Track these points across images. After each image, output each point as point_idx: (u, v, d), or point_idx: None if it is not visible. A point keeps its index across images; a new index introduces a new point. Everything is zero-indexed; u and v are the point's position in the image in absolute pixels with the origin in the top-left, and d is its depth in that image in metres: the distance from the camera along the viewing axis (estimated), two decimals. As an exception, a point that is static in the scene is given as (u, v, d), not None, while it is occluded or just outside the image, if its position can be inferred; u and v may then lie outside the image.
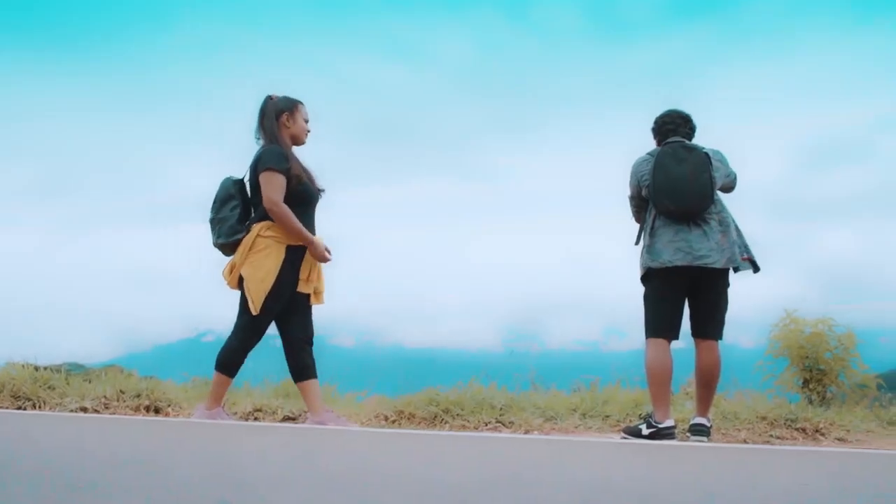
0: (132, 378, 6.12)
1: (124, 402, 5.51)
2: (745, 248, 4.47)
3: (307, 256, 4.49)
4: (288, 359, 4.58)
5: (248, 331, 4.47)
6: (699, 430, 4.39)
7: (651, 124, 4.82)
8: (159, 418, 5.26)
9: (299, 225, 4.37)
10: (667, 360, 4.41)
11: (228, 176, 4.63)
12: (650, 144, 4.80)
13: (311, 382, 4.54)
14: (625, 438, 4.44)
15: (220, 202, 4.50)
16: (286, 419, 5.17)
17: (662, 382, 4.38)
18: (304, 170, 4.54)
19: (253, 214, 4.51)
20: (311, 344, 4.59)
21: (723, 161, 4.58)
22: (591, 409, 5.23)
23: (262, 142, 4.61)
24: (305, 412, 5.15)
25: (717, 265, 4.34)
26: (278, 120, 4.58)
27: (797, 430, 4.75)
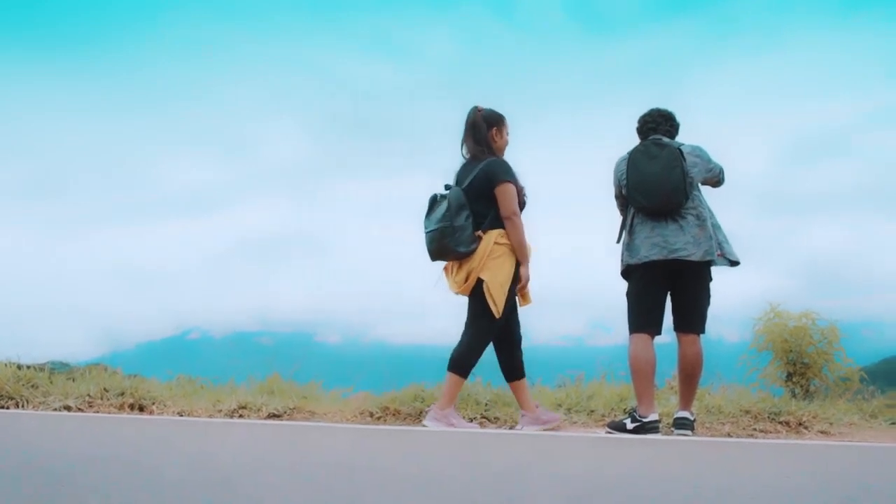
0: (116, 376, 6.08)
1: (108, 400, 5.48)
2: (720, 244, 4.50)
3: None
4: (501, 358, 4.73)
5: (486, 333, 4.58)
6: (683, 424, 4.41)
7: (635, 123, 4.85)
8: (143, 416, 5.24)
9: (526, 240, 4.58)
10: (650, 354, 4.44)
11: (453, 185, 4.71)
12: (636, 142, 4.81)
13: (522, 381, 4.69)
14: (609, 433, 4.46)
15: (456, 210, 4.54)
16: (271, 416, 5.16)
17: (646, 377, 4.41)
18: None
19: (479, 224, 4.59)
20: (521, 344, 4.75)
21: (702, 156, 4.61)
22: (575, 404, 5.24)
23: (468, 154, 4.75)
24: (291, 409, 5.14)
25: (694, 258, 4.37)
26: (489, 132, 4.71)
27: (781, 423, 4.77)
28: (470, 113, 4.75)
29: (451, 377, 4.51)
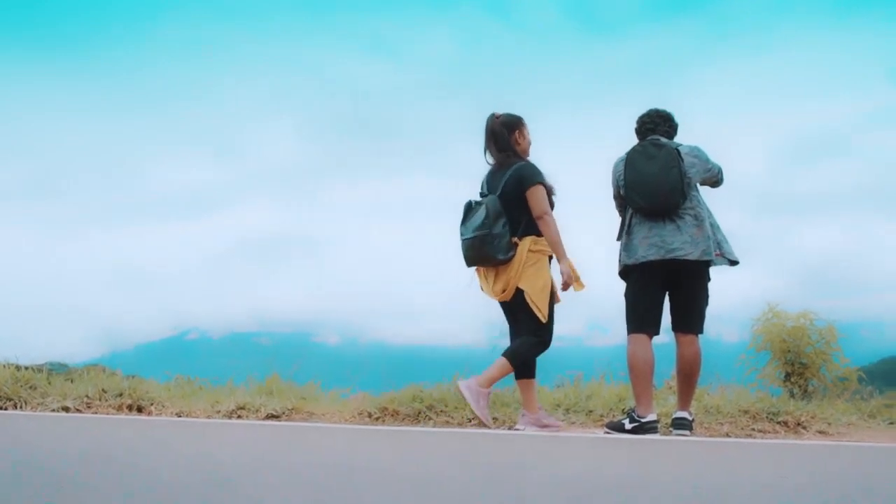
0: (115, 377, 6.08)
1: (106, 401, 5.48)
2: (718, 244, 4.50)
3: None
4: None
5: (546, 334, 4.63)
6: (681, 424, 4.41)
7: (634, 124, 4.86)
8: (142, 417, 5.24)
9: (561, 238, 4.61)
10: (648, 354, 4.44)
11: (489, 193, 4.74)
12: (635, 143, 4.81)
13: (531, 382, 4.70)
14: (608, 433, 4.46)
15: (494, 218, 4.59)
16: (269, 417, 5.16)
17: (644, 377, 4.41)
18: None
19: (514, 230, 4.64)
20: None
21: (700, 157, 4.61)
22: (574, 405, 5.24)
23: (494, 162, 4.78)
24: (290, 410, 5.14)
25: (691, 257, 4.37)
26: (511, 137, 4.74)
27: (779, 423, 4.77)
28: (488, 121, 4.77)
29: (503, 363, 4.55)
